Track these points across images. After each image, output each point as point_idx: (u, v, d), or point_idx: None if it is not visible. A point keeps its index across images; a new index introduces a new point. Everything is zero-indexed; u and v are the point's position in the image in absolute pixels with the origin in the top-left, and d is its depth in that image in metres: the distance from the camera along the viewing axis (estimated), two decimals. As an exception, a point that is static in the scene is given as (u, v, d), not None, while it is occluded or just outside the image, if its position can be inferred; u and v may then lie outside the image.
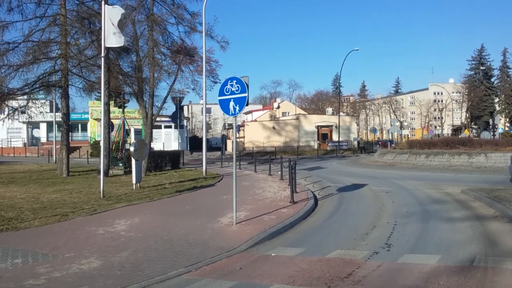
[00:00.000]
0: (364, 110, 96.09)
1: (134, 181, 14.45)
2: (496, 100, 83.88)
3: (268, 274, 5.85)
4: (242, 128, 55.17)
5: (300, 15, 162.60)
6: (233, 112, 8.95)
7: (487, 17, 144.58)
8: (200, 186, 15.59)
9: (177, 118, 24.08)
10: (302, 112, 70.00)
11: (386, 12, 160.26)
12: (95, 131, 47.29)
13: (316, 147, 51.34)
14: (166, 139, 43.61)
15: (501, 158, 22.01)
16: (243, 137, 53.49)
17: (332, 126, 54.28)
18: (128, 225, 8.94)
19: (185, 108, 77.28)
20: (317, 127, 54.80)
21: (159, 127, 43.11)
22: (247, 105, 9.02)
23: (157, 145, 39.47)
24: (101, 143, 14.65)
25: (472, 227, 8.58)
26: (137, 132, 19.95)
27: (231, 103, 8.93)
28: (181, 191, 14.14)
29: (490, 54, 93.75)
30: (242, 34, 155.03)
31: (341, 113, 59.03)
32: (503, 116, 78.68)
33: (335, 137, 52.32)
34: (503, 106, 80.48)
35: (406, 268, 6.01)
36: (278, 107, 72.30)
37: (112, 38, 12.49)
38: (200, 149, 23.46)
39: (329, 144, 52.06)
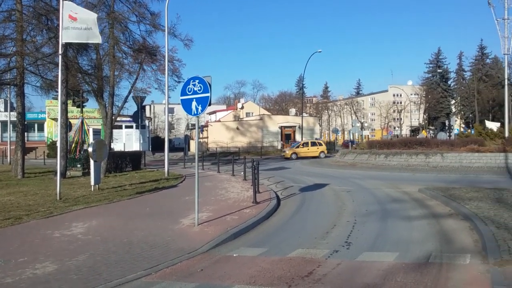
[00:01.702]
0: (326, 111, 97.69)
1: (92, 183, 14.07)
2: (452, 102, 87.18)
3: (229, 275, 5.82)
4: (206, 128, 54.85)
5: (265, 16, 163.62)
6: (195, 112, 8.86)
7: (443, 22, 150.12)
8: (162, 187, 15.36)
9: (138, 118, 23.64)
10: (266, 112, 70.32)
11: (347, 14, 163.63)
12: (52, 131, 45.73)
13: (279, 147, 51.70)
14: (127, 140, 42.75)
15: (456, 158, 22.89)
16: (207, 137, 53.17)
17: (295, 126, 54.83)
18: (85, 228, 8.68)
19: (147, 108, 75.93)
20: (281, 127, 55.22)
21: (120, 127, 42.22)
22: (209, 105, 8.96)
23: (117, 146, 38.63)
24: (58, 144, 14.19)
25: (428, 225, 8.87)
26: (96, 132, 19.49)
27: (194, 103, 8.84)
28: (142, 192, 13.88)
29: (446, 57, 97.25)
30: (206, 34, 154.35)
31: (304, 114, 59.70)
32: (459, 117, 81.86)
33: (298, 138, 52.84)
34: (458, 108, 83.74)
35: (365, 266, 6.13)
36: (242, 108, 72.27)
37: (71, 33, 12.12)
38: (163, 150, 23.18)
39: (292, 145, 52.54)
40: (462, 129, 63.87)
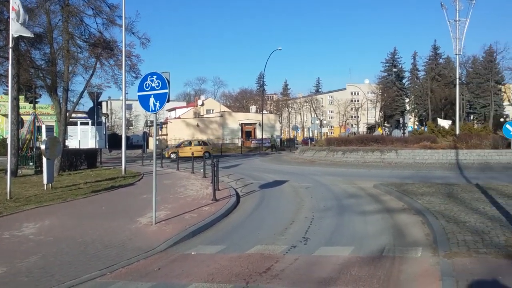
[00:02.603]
0: (287, 109, 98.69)
1: (45, 181, 13.55)
2: (407, 100, 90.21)
3: (187, 273, 5.77)
4: (165, 125, 54.11)
5: (226, 13, 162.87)
6: (153, 109, 8.71)
7: (399, 23, 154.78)
8: (119, 185, 15.01)
9: (94, 114, 22.94)
10: (227, 109, 70.21)
11: (307, 12, 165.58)
12: (3, 127, 43.63)
13: (240, 144, 51.76)
14: (82, 137, 41.45)
15: (409, 155, 23.71)
16: (166, 134, 52.45)
17: (256, 124, 55.01)
18: (37, 228, 8.36)
19: (104, 104, 74.04)
20: (241, 124, 55.26)
21: (75, 123, 40.88)
22: (168, 101, 8.84)
23: (72, 143, 37.41)
24: (9, 141, 13.58)
25: (383, 219, 9.14)
26: (50, 129, 18.68)
27: (151, 99, 8.68)
28: (98, 191, 13.51)
29: (402, 57, 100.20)
30: (166, 31, 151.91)
31: (265, 111, 60.05)
32: (413, 115, 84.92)
33: (258, 135, 53.07)
34: (412, 106, 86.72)
35: (322, 260, 6.25)
36: (203, 105, 71.78)
37: (20, 27, 11.61)
38: (120, 147, 22.60)
39: (252, 142, 52.70)
40: (416, 127, 66.17)
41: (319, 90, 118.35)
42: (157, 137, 54.80)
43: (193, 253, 6.85)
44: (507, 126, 21.47)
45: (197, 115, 63.88)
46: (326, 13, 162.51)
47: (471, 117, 75.62)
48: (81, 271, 5.76)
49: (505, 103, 72.56)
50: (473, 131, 30.57)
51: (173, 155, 33.06)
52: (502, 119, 62.58)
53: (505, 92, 70.32)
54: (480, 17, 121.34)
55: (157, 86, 8.60)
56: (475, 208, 9.13)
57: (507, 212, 8.61)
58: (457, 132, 30.73)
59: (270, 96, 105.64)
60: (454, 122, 37.04)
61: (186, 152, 33.20)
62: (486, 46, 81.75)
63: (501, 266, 5.46)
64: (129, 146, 47.05)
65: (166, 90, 8.52)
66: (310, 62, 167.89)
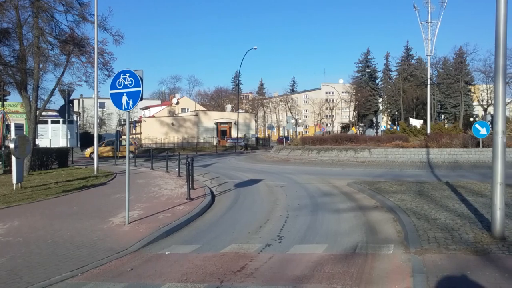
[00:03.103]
0: (262, 108, 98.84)
1: (14, 181, 13.18)
2: (380, 100, 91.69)
3: (160, 273, 5.71)
4: (139, 124, 53.40)
5: (201, 12, 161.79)
6: (126, 107, 8.58)
7: (372, 23, 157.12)
8: (91, 185, 14.73)
9: (65, 113, 22.41)
10: (202, 108, 69.81)
11: (282, 12, 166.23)
12: (-31, 126, 42.18)
13: (215, 143, 51.57)
14: (53, 135, 40.44)
15: (382, 153, 24.10)
16: (140, 133, 51.79)
17: (231, 122, 54.92)
18: (6, 229, 8.12)
19: (76, 102, 72.49)
20: (217, 123, 55.08)
21: (46, 122, 39.89)
22: (141, 99, 8.73)
23: (42, 142, 36.44)
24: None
25: (355, 217, 9.26)
26: (19, 127, 18.23)
27: (124, 97, 8.57)
28: (69, 190, 13.22)
29: (375, 57, 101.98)
30: (141, 29, 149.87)
31: (240, 110, 60.01)
32: (386, 115, 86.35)
33: (234, 134, 52.99)
34: (385, 106, 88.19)
35: (296, 258, 6.29)
36: (177, 103, 71.20)
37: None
38: (92, 146, 22.17)
39: (228, 141, 52.61)
40: (388, 126, 67.24)
41: (295, 89, 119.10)
42: (131, 136, 54.12)
43: (167, 253, 6.78)
44: (477, 125, 22.03)
45: (171, 113, 63.29)
46: (301, 13, 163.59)
47: (442, 117, 77.42)
48: (51, 273, 5.63)
49: (475, 103, 74.55)
50: (443, 131, 31.29)
51: (92, 155, 30.02)
52: (471, 119, 64.49)
53: (474, 93, 72.29)
54: (451, 19, 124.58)
55: (130, 84, 8.48)
56: (445, 206, 9.35)
57: (476, 209, 8.85)
58: (428, 131, 31.43)
59: (246, 95, 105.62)
60: (425, 122, 37.84)
61: (106, 152, 32.77)
62: (456, 48, 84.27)
63: (469, 262, 5.61)
64: (102, 145, 46.28)
65: (139, 88, 8.41)
66: (286, 61, 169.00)
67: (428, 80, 37.46)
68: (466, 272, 5.23)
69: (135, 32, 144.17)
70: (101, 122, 71.49)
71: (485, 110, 62.60)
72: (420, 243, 6.50)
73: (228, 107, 70.34)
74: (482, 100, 66.21)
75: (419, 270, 5.36)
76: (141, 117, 63.99)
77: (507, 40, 6.59)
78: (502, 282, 4.86)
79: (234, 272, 5.67)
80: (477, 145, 22.90)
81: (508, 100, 60.60)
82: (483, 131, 21.48)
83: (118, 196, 12.18)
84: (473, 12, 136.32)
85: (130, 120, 9.72)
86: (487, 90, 62.67)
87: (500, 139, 6.54)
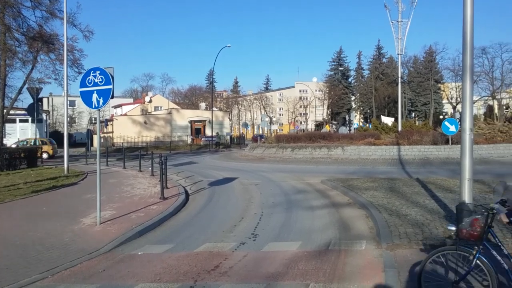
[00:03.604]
0: (237, 106, 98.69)
1: (-20, 182, 12.75)
2: (353, 98, 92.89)
3: (133, 274, 5.63)
4: (111, 122, 52.45)
5: (174, 9, 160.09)
6: (96, 105, 8.42)
7: (345, 22, 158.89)
8: (61, 185, 14.38)
9: (34, 111, 21.78)
10: (175, 106, 69.13)
11: (257, 10, 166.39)
12: None
13: (189, 142, 51.19)
14: (22, 134, 39.26)
15: (355, 151, 24.44)
16: (112, 132, 50.90)
17: (205, 121, 54.63)
18: (-30, 232, 7.84)
19: (45, 100, 70.58)
20: (191, 122, 54.69)
21: (14, 121, 38.74)
22: (112, 97, 8.59)
23: (10, 141, 35.37)
24: None
25: (329, 214, 9.36)
26: (-15, 127, 17.64)
27: (94, 96, 8.40)
28: (38, 191, 12.87)
29: (347, 56, 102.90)
30: (112, 26, 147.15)
31: (214, 108, 59.74)
32: (358, 112, 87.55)
33: (208, 132, 52.72)
34: (358, 104, 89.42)
35: (270, 256, 6.30)
36: (150, 101, 70.25)
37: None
38: (62, 145, 21.65)
39: (202, 139, 52.27)
40: (361, 124, 68.31)
41: (269, 87, 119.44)
42: (102, 135, 53.15)
43: (139, 253, 6.69)
44: (446, 123, 22.58)
45: (144, 112, 62.45)
46: (274, 11, 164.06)
47: (413, 115, 79.11)
48: (20, 275, 5.48)
49: (444, 101, 76.44)
50: (414, 128, 31.95)
51: None
52: (441, 116, 66.05)
53: (443, 91, 74.17)
54: (421, 18, 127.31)
55: (100, 82, 8.32)
56: (416, 202, 9.56)
57: (445, 204, 9.08)
58: (400, 129, 32.03)
59: (220, 93, 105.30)
60: (396, 119, 38.56)
61: None
62: (426, 47, 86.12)
63: (438, 256, 5.74)
64: (72, 144, 45.30)
65: (110, 86, 8.26)
66: (260, 60, 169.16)
67: (399, 79, 38.16)
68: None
69: (106, 29, 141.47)
70: (72, 121, 69.86)
71: (454, 107, 64.29)
72: (391, 238, 6.62)
73: (202, 105, 69.89)
74: (451, 98, 67.99)
75: (391, 265, 5.46)
76: (112, 115, 62.90)
77: (473, 40, 6.78)
78: (470, 275, 4.99)
79: (208, 271, 5.64)
80: (447, 142, 23.49)
81: (476, 98, 62.64)
82: (452, 128, 22.04)
83: (89, 196, 11.93)
84: (442, 11, 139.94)
85: (101, 118, 9.53)
86: (456, 88, 64.34)
87: (468, 136, 6.72)
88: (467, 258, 4.08)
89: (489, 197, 9.65)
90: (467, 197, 6.67)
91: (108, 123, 51.94)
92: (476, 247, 4.01)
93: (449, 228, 4.32)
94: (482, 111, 69.89)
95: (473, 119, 7.02)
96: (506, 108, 60.70)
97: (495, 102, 60.56)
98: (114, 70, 8.89)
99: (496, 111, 58.91)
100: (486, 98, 61.98)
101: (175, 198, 11.29)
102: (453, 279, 4.29)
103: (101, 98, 8.33)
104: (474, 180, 7.05)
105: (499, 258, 4.01)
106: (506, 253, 4.04)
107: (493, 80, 58.58)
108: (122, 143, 45.35)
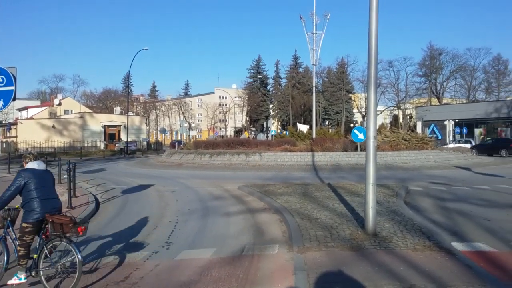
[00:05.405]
0: (154, 111, 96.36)
1: None
2: (271, 105, 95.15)
3: (33, 290, 5.23)
4: (15, 126, 48.61)
5: (86, 8, 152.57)
6: (-6, 107, 7.75)
7: (264, 31, 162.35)
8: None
9: None
10: (88, 110, 65.94)
11: (176, 13, 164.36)
12: None
13: (102, 148, 49.00)
14: None
15: (272, 157, 25.01)
16: (16, 136, 47.18)
17: (120, 126, 52.69)
18: None
19: None
20: (104, 126, 52.44)
21: None
22: (15, 100, 8.01)
23: None
24: None
25: (244, 220, 9.46)
26: None
27: (-7, 97, 7.73)
28: None
29: (266, 64, 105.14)
30: (17, 22, 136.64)
31: (130, 113, 57.74)
32: (276, 120, 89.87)
33: (124, 137, 50.87)
34: (276, 111, 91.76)
35: (183, 264, 6.22)
36: (60, 104, 66.22)
37: None
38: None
39: (117, 145, 50.32)
40: (278, 131, 70.17)
41: (188, 93, 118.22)
42: (4, 140, 49.02)
43: (42, 267, 6.23)
44: (355, 131, 23.87)
45: (53, 115, 58.74)
46: (192, 15, 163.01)
47: (326, 123, 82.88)
48: None
49: (355, 110, 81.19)
50: (327, 135, 33.48)
51: None
52: (352, 125, 70.01)
53: (354, 101, 78.77)
54: (334, 31, 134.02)
55: (1, 83, 7.70)
56: (326, 206, 10.00)
57: (353, 208, 9.60)
58: (314, 136, 33.34)
59: (137, 98, 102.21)
60: (311, 127, 40.09)
61: None
62: (339, 59, 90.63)
63: (345, 258, 6.06)
64: (-30, 149, 41.18)
65: (12, 87, 7.70)
66: (179, 64, 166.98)
67: (314, 88, 39.82)
68: (342, 267, 5.63)
69: (10, 25, 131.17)
70: (-32, 124, 63.65)
71: (363, 116, 68.39)
72: (302, 241, 6.85)
73: (117, 109, 67.26)
74: (361, 108, 72.34)
75: (301, 268, 5.63)
76: (17, 118, 58.34)
77: (378, 53, 7.28)
78: (373, 275, 5.32)
79: (117, 282, 5.42)
80: (356, 149, 24.90)
81: (383, 108, 67.40)
82: (361, 136, 23.35)
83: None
84: (354, 26, 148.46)
85: (4, 121, 8.80)
86: (365, 98, 68.60)
87: (371, 143, 7.18)
88: None
89: (392, 200, 10.37)
90: (371, 201, 7.11)
91: (12, 127, 48.13)
92: None
93: None
94: (388, 120, 75.28)
95: (376, 128, 7.52)
96: (410, 118, 65.99)
97: (400, 112, 65.57)
98: (17, 70, 8.26)
99: (401, 120, 63.78)
100: (392, 108, 66.94)
101: (84, 207, 10.72)
102: None
103: (2, 100, 7.73)
104: (379, 184, 7.56)
105: None
106: None
107: (398, 92, 63.50)
108: (27, 149, 42.15)
